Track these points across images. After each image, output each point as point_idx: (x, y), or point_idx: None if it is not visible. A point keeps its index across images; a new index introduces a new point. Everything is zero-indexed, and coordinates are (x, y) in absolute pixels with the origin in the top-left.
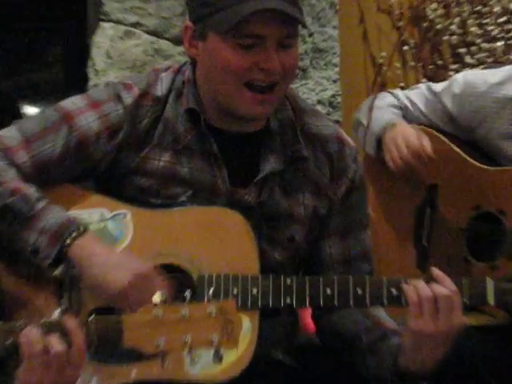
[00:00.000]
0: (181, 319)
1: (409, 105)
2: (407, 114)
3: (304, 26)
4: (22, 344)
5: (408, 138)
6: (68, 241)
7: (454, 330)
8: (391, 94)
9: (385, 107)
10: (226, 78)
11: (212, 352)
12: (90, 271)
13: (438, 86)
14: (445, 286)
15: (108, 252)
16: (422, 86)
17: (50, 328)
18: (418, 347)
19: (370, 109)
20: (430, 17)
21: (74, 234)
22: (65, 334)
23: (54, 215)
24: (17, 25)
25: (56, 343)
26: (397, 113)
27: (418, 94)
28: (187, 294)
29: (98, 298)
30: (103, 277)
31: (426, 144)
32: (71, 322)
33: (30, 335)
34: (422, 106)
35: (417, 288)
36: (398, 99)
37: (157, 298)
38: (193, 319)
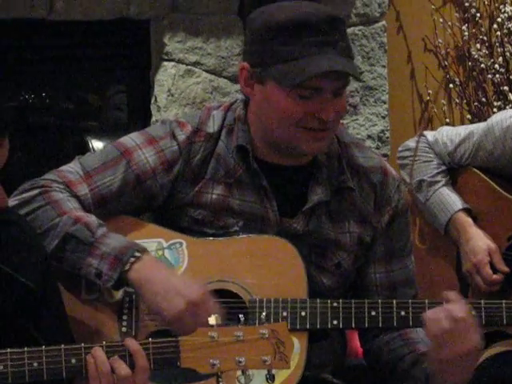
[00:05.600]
0: (235, 341)
1: (451, 149)
2: (454, 159)
3: (358, 80)
4: (89, 364)
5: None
6: (127, 266)
7: (473, 351)
8: (431, 148)
9: (435, 184)
10: (281, 122)
11: (265, 372)
12: (149, 295)
13: (479, 130)
14: (457, 309)
15: (166, 276)
16: (462, 131)
17: (113, 350)
18: (442, 372)
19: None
20: (475, 56)
21: (132, 260)
22: (128, 356)
23: (113, 241)
24: (86, 64)
25: (122, 367)
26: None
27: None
28: (241, 317)
29: (157, 320)
30: (160, 302)
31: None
32: (134, 345)
33: (97, 356)
34: (466, 154)
35: (437, 320)
36: (439, 151)
37: (212, 320)
38: (246, 341)
